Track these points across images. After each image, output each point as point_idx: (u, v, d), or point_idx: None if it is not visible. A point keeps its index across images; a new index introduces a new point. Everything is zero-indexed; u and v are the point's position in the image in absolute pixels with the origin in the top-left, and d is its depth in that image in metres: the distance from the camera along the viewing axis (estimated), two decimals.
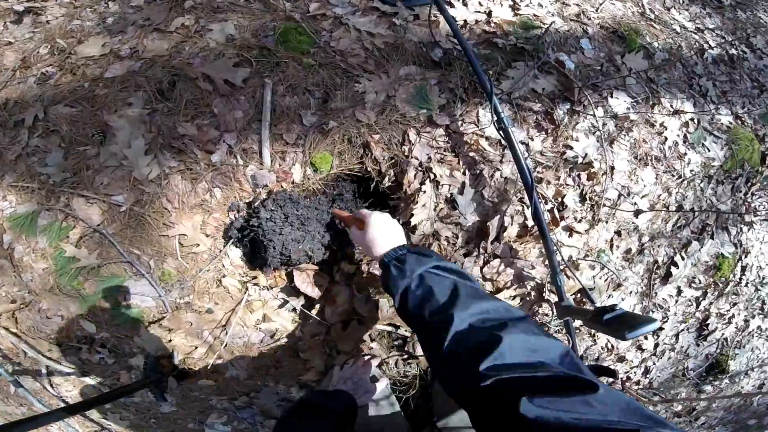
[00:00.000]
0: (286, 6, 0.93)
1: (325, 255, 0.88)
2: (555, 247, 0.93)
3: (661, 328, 1.38)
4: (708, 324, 1.56)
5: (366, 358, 0.89)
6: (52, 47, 0.91)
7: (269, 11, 0.93)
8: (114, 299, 0.85)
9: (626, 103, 1.12)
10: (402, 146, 0.98)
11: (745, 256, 1.54)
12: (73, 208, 0.81)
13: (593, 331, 1.32)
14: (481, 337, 0.43)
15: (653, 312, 1.42)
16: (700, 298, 1.46)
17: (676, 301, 1.45)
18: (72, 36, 0.90)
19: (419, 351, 1.05)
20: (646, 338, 1.49)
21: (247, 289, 0.88)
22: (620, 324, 0.72)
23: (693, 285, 1.42)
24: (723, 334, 1.65)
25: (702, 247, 1.37)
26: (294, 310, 0.91)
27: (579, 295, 1.14)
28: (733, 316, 1.61)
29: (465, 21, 1.01)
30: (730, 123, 1.36)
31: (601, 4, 1.19)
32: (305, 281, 0.87)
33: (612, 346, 1.38)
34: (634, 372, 1.53)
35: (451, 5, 1.03)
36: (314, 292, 0.86)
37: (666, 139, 1.20)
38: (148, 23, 0.89)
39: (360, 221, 0.72)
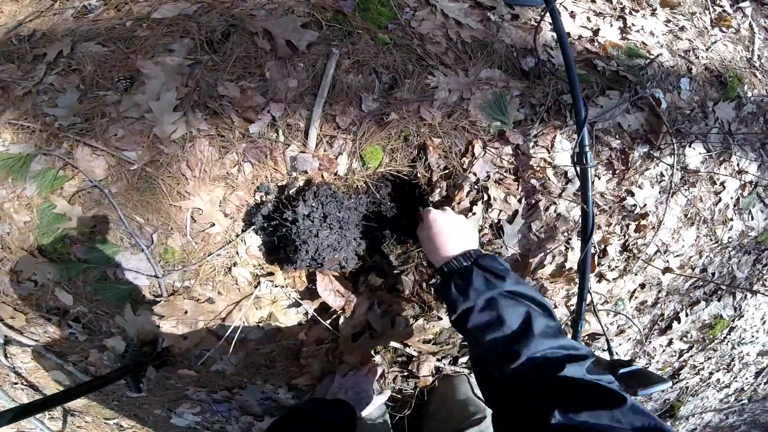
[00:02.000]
0: None
1: (357, 264, 0.90)
2: (591, 296, 1.01)
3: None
4: (680, 374, 1.79)
5: (370, 366, 0.94)
6: None
7: None
8: (101, 271, 0.82)
9: (701, 156, 1.20)
10: (462, 158, 0.99)
11: (738, 319, 1.76)
12: (76, 157, 0.76)
13: None
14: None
15: (640, 357, 1.61)
16: (684, 351, 1.66)
17: (663, 351, 1.64)
18: None
19: (423, 372, 1.12)
20: None
21: (259, 283, 0.89)
22: (634, 380, 0.81)
23: (684, 339, 1.61)
24: (688, 383, 1.90)
25: (707, 307, 1.55)
26: (306, 314, 0.93)
27: (587, 339, 1.25)
28: (703, 368, 1.85)
29: (569, 34, 1.02)
30: None
31: (713, 43, 1.23)
32: (328, 288, 0.89)
33: None
34: None
35: (559, 13, 1.02)
36: (336, 302, 0.88)
37: (720, 200, 1.30)
38: None
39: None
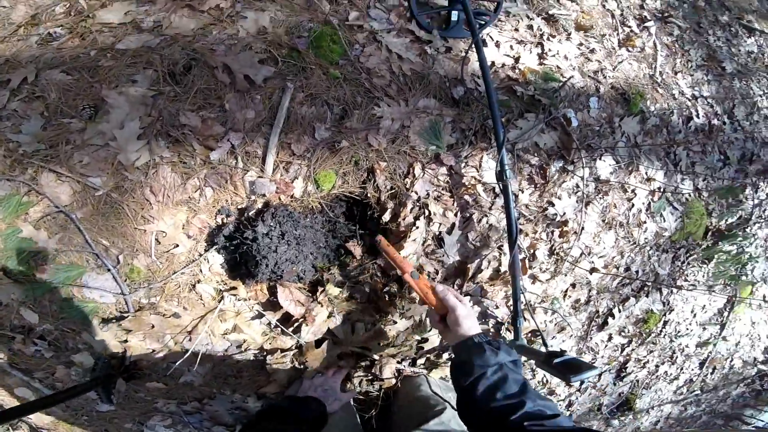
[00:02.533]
0: (327, 8, 1.02)
1: (314, 276, 1.03)
2: (522, 289, 1.21)
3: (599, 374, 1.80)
4: (627, 367, 2.05)
5: (336, 368, 1.07)
6: (70, 6, 0.88)
7: (309, 10, 1.02)
8: (67, 290, 0.89)
9: (611, 167, 1.43)
10: (405, 178, 1.15)
11: (669, 313, 2.04)
12: (41, 183, 0.83)
13: (533, 366, 1.67)
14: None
15: (585, 353, 1.84)
16: (625, 345, 1.92)
17: (606, 346, 1.89)
18: None
19: (385, 374, 1.26)
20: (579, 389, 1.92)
21: (222, 297, 0.99)
22: (567, 368, 0.98)
23: (622, 333, 1.86)
24: (636, 376, 2.18)
25: (637, 303, 1.81)
26: (269, 324, 1.05)
27: (530, 335, 1.46)
28: (648, 361, 2.13)
29: (493, 62, 1.21)
30: (690, 196, 1.79)
31: (620, 63, 1.47)
32: (288, 298, 1.01)
33: (546, 380, 1.76)
34: (560, 404, 1.96)
35: (485, 44, 1.21)
36: (297, 311, 1.01)
37: (633, 205, 1.55)
38: None
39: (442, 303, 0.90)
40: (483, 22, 1.14)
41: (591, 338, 1.81)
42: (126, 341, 0.93)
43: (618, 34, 1.48)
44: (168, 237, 0.92)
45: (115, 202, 0.88)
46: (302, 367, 1.13)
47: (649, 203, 1.65)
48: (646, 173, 1.59)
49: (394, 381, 1.30)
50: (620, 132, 1.45)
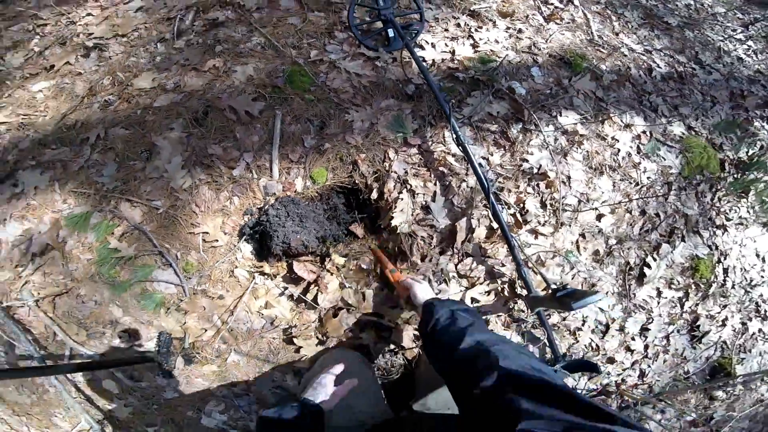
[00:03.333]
0: (292, 53, 1.46)
1: (318, 247, 1.30)
2: (516, 243, 1.34)
3: (646, 328, 1.72)
4: (698, 326, 1.91)
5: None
6: (113, 79, 1.43)
7: (279, 57, 1.47)
8: (142, 286, 1.24)
9: (575, 120, 1.60)
10: (384, 163, 1.45)
11: (725, 259, 1.93)
12: (120, 209, 1.26)
13: (575, 329, 1.67)
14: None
15: (636, 313, 1.78)
16: (683, 299, 1.84)
17: (658, 303, 1.82)
18: (129, 71, 1.44)
19: (404, 341, 1.41)
20: (633, 339, 1.82)
21: (254, 277, 1.28)
22: (569, 298, 1.05)
23: (672, 286, 1.80)
24: (720, 336, 1.99)
25: (674, 250, 1.78)
26: (292, 297, 1.30)
27: (548, 289, 1.52)
28: (726, 318, 1.96)
29: (433, 60, 1.56)
30: (683, 133, 1.85)
31: (551, 35, 1.73)
32: (302, 268, 1.29)
33: (596, 345, 1.73)
34: (629, 375, 1.84)
35: (423, 48, 1.56)
36: (309, 276, 1.27)
37: (619, 150, 1.68)
38: (187, 63, 1.44)
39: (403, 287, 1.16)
40: (415, 32, 1.50)
41: (634, 295, 1.78)
42: (185, 323, 1.24)
43: (542, 13, 1.77)
44: (210, 236, 1.28)
45: (172, 216, 1.27)
46: (325, 338, 1.33)
47: (639, 146, 1.74)
48: (622, 121, 1.72)
49: (415, 349, 1.42)
50: (574, 90, 1.65)
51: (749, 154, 2.01)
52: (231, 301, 1.32)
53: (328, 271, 1.34)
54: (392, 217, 1.43)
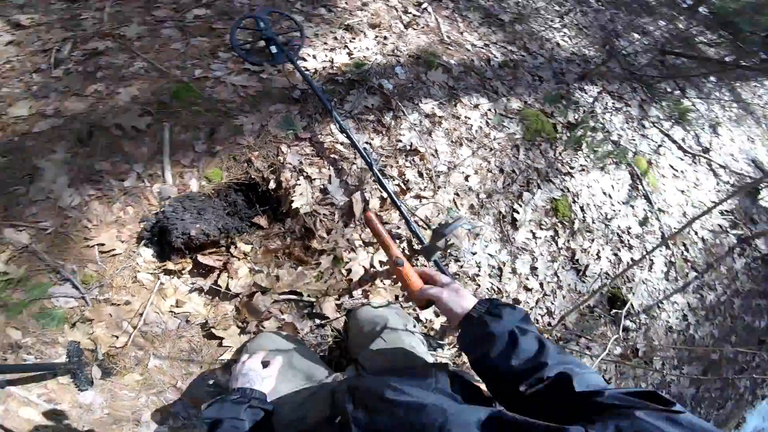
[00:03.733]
0: (177, 73, 1.60)
1: (221, 235, 1.39)
2: (404, 205, 1.58)
3: (535, 267, 2.03)
4: (577, 260, 2.28)
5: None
6: None
7: (164, 77, 1.60)
8: (40, 305, 1.22)
9: (432, 106, 1.96)
10: (278, 157, 1.61)
11: (578, 198, 2.37)
12: (4, 235, 1.23)
13: (473, 274, 1.92)
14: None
15: (521, 254, 2.10)
16: (555, 237, 2.21)
17: (536, 243, 2.17)
18: (2, 101, 1.42)
19: (327, 311, 1.53)
20: (528, 279, 2.12)
21: (159, 278, 1.33)
22: (441, 229, 1.28)
23: (542, 226, 2.17)
24: (601, 268, 2.36)
25: (534, 196, 2.17)
26: (202, 290, 1.36)
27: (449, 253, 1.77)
28: (599, 252, 2.35)
29: (315, 69, 1.81)
30: (520, 107, 2.31)
31: (410, 39, 2.13)
32: (207, 259, 1.36)
33: (497, 288, 1.99)
34: (539, 314, 2.12)
35: (305, 59, 1.81)
36: (216, 263, 1.36)
37: (471, 126, 2.05)
38: (67, 89, 1.50)
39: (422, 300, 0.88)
40: (297, 47, 1.75)
41: (514, 239, 2.10)
42: (93, 333, 1.23)
43: (403, 21, 2.17)
44: (107, 246, 1.31)
45: (63, 234, 1.29)
46: (245, 326, 1.39)
47: (486, 121, 2.15)
48: (471, 103, 2.13)
49: (341, 318, 1.54)
50: (430, 82, 2.02)
51: (575, 117, 2.59)
52: (138, 306, 1.33)
53: (235, 257, 1.43)
54: (292, 201, 1.58)
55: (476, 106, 2.18)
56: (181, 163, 1.50)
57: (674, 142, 3.22)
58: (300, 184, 1.62)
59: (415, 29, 2.27)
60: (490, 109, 2.24)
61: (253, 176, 1.60)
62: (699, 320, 2.86)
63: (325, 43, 1.99)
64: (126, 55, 1.66)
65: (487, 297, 0.78)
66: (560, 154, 2.42)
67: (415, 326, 1.39)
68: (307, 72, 1.80)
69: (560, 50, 2.89)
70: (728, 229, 3.34)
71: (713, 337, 2.97)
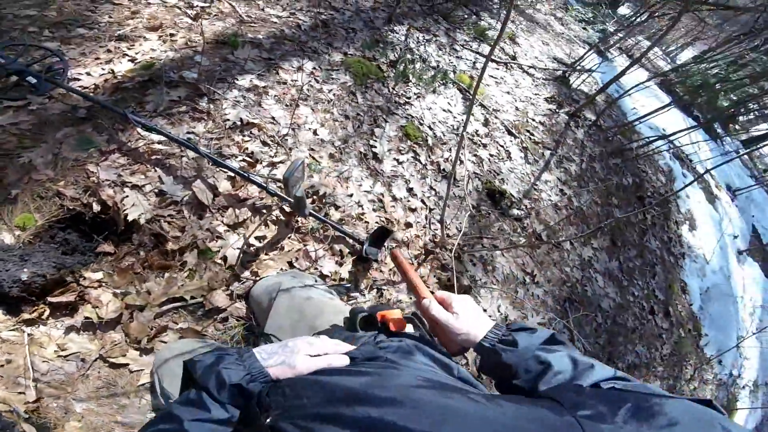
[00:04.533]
0: None
1: (61, 273, 1.24)
2: (247, 173, 1.55)
3: (411, 188, 2.15)
4: (444, 170, 2.45)
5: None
6: None
7: None
8: None
9: (252, 78, 1.95)
10: (89, 179, 1.45)
11: (423, 120, 2.56)
12: None
13: (358, 214, 1.96)
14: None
15: (393, 182, 2.21)
16: (417, 157, 2.36)
17: (404, 168, 2.29)
18: None
19: (221, 303, 1.43)
20: (408, 200, 2.24)
21: (23, 330, 1.12)
22: (285, 181, 1.26)
23: (402, 152, 2.31)
24: (467, 170, 2.58)
25: (384, 129, 2.29)
26: (77, 329, 1.20)
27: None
28: (459, 158, 2.55)
29: (95, 84, 1.66)
30: (342, 59, 2.43)
31: (203, 29, 2.07)
32: (58, 298, 1.19)
33: (386, 219, 2.05)
34: (434, 231, 2.22)
35: (78, 79, 1.66)
36: (71, 299, 1.19)
37: (302, 86, 2.09)
38: None
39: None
40: (61, 70, 1.58)
41: (383, 171, 2.22)
42: None
43: (189, 15, 2.12)
44: None
45: None
46: (141, 345, 1.25)
47: (315, 78, 2.22)
48: (293, 67, 2.18)
49: (238, 304, 1.46)
50: (241, 60, 2.02)
51: (395, 55, 2.84)
52: (22, 360, 1.09)
53: (90, 287, 1.26)
54: (126, 215, 1.44)
55: (300, 69, 2.25)
56: None
57: (484, 56, 3.73)
58: (128, 196, 1.49)
59: (206, 19, 2.25)
60: (315, 68, 2.34)
61: (71, 207, 1.42)
62: (575, 190, 3.37)
63: (98, 58, 1.86)
64: None
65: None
66: (393, 88, 2.64)
67: (316, 281, 1.39)
68: (84, 89, 1.65)
69: (364, 2, 3.14)
70: (557, 111, 3.98)
71: (596, 203, 3.52)
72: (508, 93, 3.66)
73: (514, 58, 4.20)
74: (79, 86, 1.66)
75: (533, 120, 3.61)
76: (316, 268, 1.77)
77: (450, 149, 2.63)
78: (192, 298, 1.45)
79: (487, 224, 2.59)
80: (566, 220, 3.08)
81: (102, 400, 1.22)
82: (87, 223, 1.45)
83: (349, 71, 2.46)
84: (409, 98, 2.69)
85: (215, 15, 2.35)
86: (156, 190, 1.54)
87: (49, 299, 1.23)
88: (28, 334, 1.19)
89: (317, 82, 2.29)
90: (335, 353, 0.63)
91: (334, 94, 2.28)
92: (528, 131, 3.46)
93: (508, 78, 3.90)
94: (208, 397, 0.52)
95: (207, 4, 2.39)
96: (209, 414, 0.51)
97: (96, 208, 1.44)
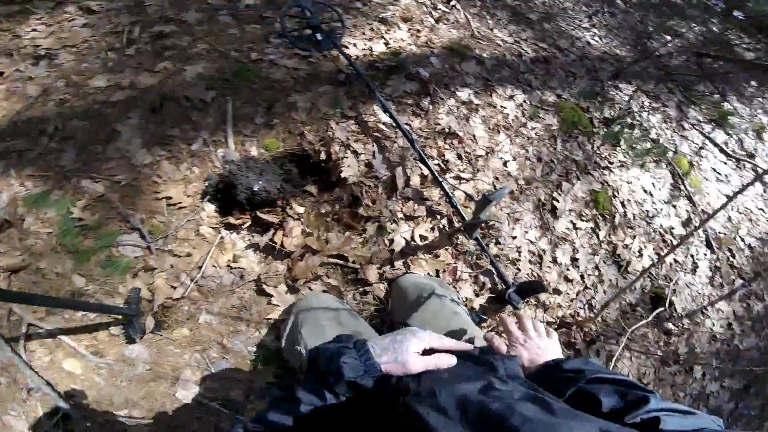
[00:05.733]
0: (235, 55, 1.77)
1: (279, 194, 1.48)
2: (446, 181, 1.64)
3: (575, 258, 2.03)
4: (619, 255, 2.25)
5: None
6: (67, 81, 1.60)
7: (224, 58, 1.80)
8: (107, 252, 1.32)
9: (468, 94, 2.04)
10: (327, 132, 1.72)
11: (618, 193, 2.37)
12: (82, 185, 1.37)
13: (513, 258, 1.92)
14: None
15: (561, 244, 2.10)
16: (596, 229, 2.20)
17: (577, 234, 2.16)
18: (83, 74, 1.62)
19: (370, 277, 1.58)
20: (568, 269, 2.11)
21: (219, 232, 1.41)
22: (485, 198, 1.34)
23: (583, 218, 2.18)
24: (643, 266, 2.32)
25: (573, 186, 2.18)
26: (258, 247, 1.44)
27: (485, 228, 1.80)
28: (641, 249, 2.32)
29: (356, 56, 1.95)
30: (555, 100, 2.36)
31: (442, 33, 2.26)
32: (266, 215, 1.45)
33: (537, 275, 1.98)
34: (580, 307, 2.08)
35: (347, 47, 1.96)
36: (273, 219, 1.44)
37: (508, 114, 2.12)
38: (140, 66, 1.70)
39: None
40: (339, 35, 1.90)
41: (554, 227, 2.11)
42: (153, 283, 1.31)
43: (433, 16, 2.31)
44: (174, 199, 1.43)
45: (135, 187, 1.41)
46: (294, 283, 1.46)
47: (522, 111, 2.22)
48: (506, 93, 2.22)
49: (382, 286, 1.58)
50: (465, 72, 2.13)
51: (611, 113, 2.62)
52: (198, 258, 1.42)
53: (290, 216, 1.51)
54: (341, 171, 1.67)
55: (511, 97, 2.26)
56: (242, 133, 1.63)
57: (716, 145, 3.18)
58: (348, 157, 1.71)
59: (445, 24, 2.42)
60: (525, 101, 2.31)
61: (305, 148, 1.71)
62: (745, 330, 2.72)
63: (363, 33, 2.15)
64: (189, 37, 1.86)
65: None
66: (598, 148, 2.44)
67: (458, 298, 1.42)
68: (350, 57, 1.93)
69: (591, 49, 2.98)
70: None
71: (759, 350, 2.80)
72: (726, 197, 3.06)
73: (752, 156, 3.47)
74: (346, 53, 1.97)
75: (742, 240, 2.96)
76: (455, 287, 1.79)
77: (635, 237, 2.34)
78: (353, 262, 1.62)
79: (633, 324, 2.26)
80: (715, 353, 2.52)
81: (225, 319, 1.42)
82: (309, 164, 1.74)
83: (558, 115, 2.37)
84: (612, 164, 2.46)
85: (452, 23, 2.51)
86: (366, 161, 1.75)
87: (258, 213, 1.51)
88: (221, 237, 1.48)
89: (523, 115, 2.26)
90: (442, 348, 0.67)
91: (535, 133, 2.23)
92: (730, 250, 2.86)
93: (734, 178, 3.25)
94: (325, 388, 0.59)
95: (448, 11, 2.57)
96: (324, 402, 0.59)
97: (323, 156, 1.71)
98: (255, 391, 1.42)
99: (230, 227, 1.49)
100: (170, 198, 1.44)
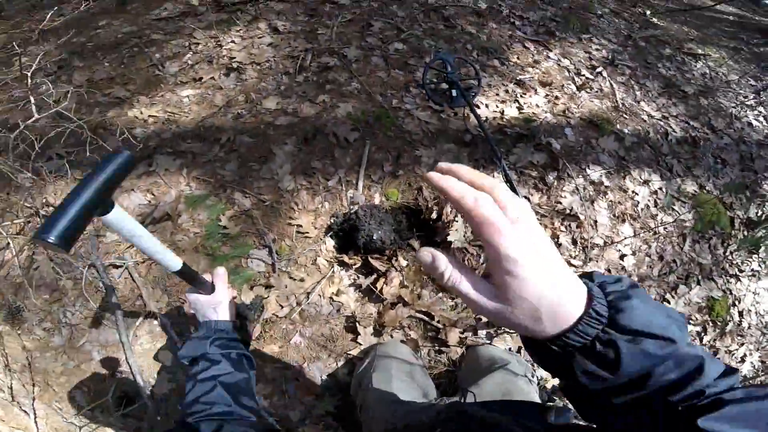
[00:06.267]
0: (380, 99, 1.91)
1: (391, 245, 1.59)
2: None
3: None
4: (719, 358, 2.03)
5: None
6: (246, 97, 1.87)
7: (371, 101, 1.94)
8: (237, 262, 1.53)
9: (599, 174, 1.96)
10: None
11: (739, 303, 2.13)
12: (234, 197, 1.60)
13: None
14: None
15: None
16: (702, 333, 2.03)
17: None
18: (260, 93, 1.89)
19: (450, 339, 1.62)
20: None
21: (333, 266, 1.56)
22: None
23: (691, 321, 1.99)
24: (742, 372, 2.08)
25: (690, 291, 2.01)
26: (360, 287, 1.58)
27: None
28: (745, 355, 2.09)
29: (486, 117, 1.99)
30: (695, 192, 2.17)
31: (582, 102, 2.18)
32: (375, 262, 1.58)
33: None
34: None
35: (478, 107, 2.00)
36: (380, 267, 1.56)
37: (638, 202, 2.00)
38: (304, 95, 1.92)
39: None
40: (474, 94, 1.95)
41: None
42: (266, 298, 1.50)
43: (575, 83, 2.24)
44: (303, 228, 1.62)
45: (276, 209, 1.61)
46: (381, 329, 1.56)
47: (656, 200, 2.07)
48: (641, 177, 2.08)
49: (459, 350, 1.62)
50: (600, 148, 2.04)
51: (758, 214, 2.30)
52: (309, 285, 1.59)
53: (394, 267, 1.62)
54: (448, 234, 1.73)
55: (646, 182, 2.12)
56: (371, 178, 1.77)
57: None
58: (457, 221, 1.77)
59: (588, 92, 2.32)
60: (661, 188, 2.15)
61: (420, 203, 1.80)
62: None
63: (497, 95, 2.17)
64: (346, 74, 2.06)
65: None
66: (731, 253, 2.19)
67: (533, 376, 1.40)
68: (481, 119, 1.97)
69: (752, 131, 2.63)
70: None
71: None
72: None
73: None
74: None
75: None
76: (533, 365, 1.76)
77: (742, 345, 2.07)
78: (438, 321, 1.68)
79: None
80: None
81: (312, 345, 1.56)
82: (418, 219, 1.83)
83: (695, 210, 2.15)
84: (742, 272, 2.19)
85: (596, 91, 2.40)
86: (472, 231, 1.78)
87: (369, 258, 1.64)
88: (333, 271, 1.64)
89: (655, 205, 2.10)
90: None
91: (664, 229, 2.06)
92: None
93: None
94: None
95: (593, 77, 2.45)
96: None
97: (434, 215, 1.79)
98: (313, 416, 1.55)
99: (342, 264, 1.65)
100: (300, 226, 1.64)
